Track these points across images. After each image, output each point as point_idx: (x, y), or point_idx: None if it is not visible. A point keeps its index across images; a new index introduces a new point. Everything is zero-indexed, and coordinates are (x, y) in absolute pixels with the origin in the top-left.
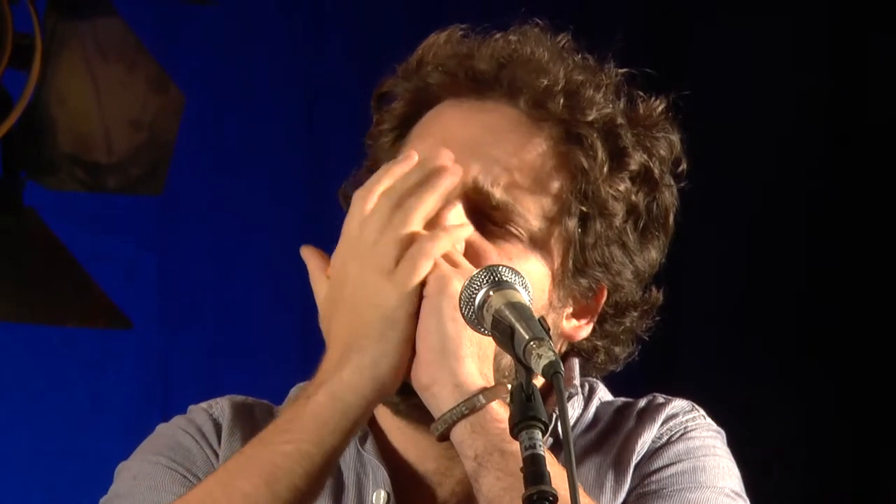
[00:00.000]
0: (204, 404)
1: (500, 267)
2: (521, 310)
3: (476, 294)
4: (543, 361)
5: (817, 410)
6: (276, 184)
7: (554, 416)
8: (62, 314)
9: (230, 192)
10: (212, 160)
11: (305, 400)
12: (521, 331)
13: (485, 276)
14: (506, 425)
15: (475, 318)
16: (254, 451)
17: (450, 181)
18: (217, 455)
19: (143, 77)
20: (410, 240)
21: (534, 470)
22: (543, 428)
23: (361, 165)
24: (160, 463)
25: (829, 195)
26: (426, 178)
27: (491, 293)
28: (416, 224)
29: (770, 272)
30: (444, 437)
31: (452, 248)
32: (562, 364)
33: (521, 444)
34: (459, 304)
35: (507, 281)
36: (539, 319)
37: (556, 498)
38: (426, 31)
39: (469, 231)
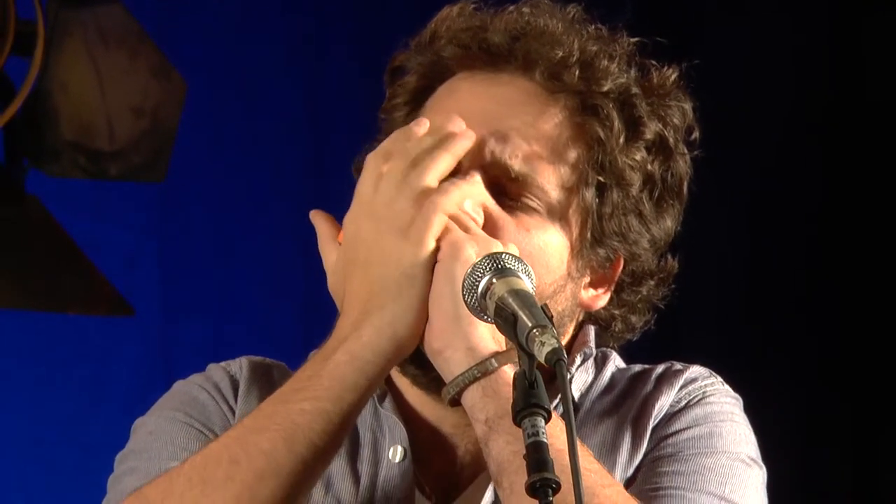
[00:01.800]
0: (222, 363)
1: (503, 254)
2: (523, 297)
3: (479, 282)
4: (546, 349)
5: (817, 398)
6: (278, 171)
7: (567, 377)
8: (64, 301)
9: (232, 180)
10: (214, 147)
11: (324, 359)
12: (524, 318)
13: (488, 264)
14: None
15: (478, 306)
16: (272, 409)
17: (463, 144)
18: (233, 411)
19: (145, 64)
20: (425, 197)
21: (536, 457)
22: (546, 415)
23: (372, 141)
24: (176, 419)
25: (831, 181)
26: (439, 141)
27: (494, 281)
28: (430, 182)
29: (771, 256)
30: (456, 401)
31: (468, 216)
32: (565, 351)
33: (523, 431)
34: (462, 291)
35: (509, 268)
36: (542, 307)
37: (558, 485)
38: (429, 16)
39: (481, 192)
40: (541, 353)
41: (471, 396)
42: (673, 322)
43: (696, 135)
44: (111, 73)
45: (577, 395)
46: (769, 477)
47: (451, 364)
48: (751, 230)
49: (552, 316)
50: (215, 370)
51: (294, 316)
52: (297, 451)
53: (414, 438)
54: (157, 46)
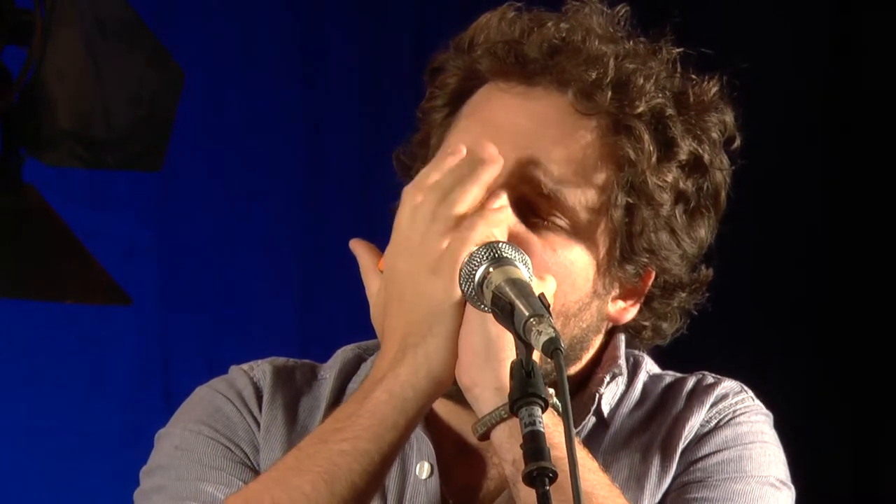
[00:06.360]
0: (245, 366)
1: (500, 243)
2: (520, 286)
3: (476, 270)
4: (543, 338)
5: (817, 398)
6: (275, 160)
7: (597, 395)
8: (61, 290)
9: (229, 169)
10: (211, 136)
11: (363, 397)
12: (521, 307)
13: (485, 253)
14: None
15: (475, 295)
16: (313, 449)
17: (491, 171)
18: (258, 422)
19: (142, 53)
20: (454, 231)
21: (533, 446)
22: (543, 404)
23: (410, 137)
24: (202, 433)
25: (830, 180)
26: (470, 169)
27: (491, 270)
28: (459, 215)
29: (771, 255)
30: (485, 437)
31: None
32: (562, 340)
33: (520, 420)
34: (459, 280)
35: (506, 257)
36: (539, 296)
37: (555, 475)
38: (427, 10)
39: (507, 215)
40: (538, 343)
41: (498, 436)
42: None
43: (737, 143)
44: (108, 62)
45: (606, 410)
46: None
47: (479, 402)
48: (751, 229)
49: (549, 305)
50: (239, 376)
51: (291, 306)
52: (338, 492)
53: (440, 451)
54: (154, 35)
